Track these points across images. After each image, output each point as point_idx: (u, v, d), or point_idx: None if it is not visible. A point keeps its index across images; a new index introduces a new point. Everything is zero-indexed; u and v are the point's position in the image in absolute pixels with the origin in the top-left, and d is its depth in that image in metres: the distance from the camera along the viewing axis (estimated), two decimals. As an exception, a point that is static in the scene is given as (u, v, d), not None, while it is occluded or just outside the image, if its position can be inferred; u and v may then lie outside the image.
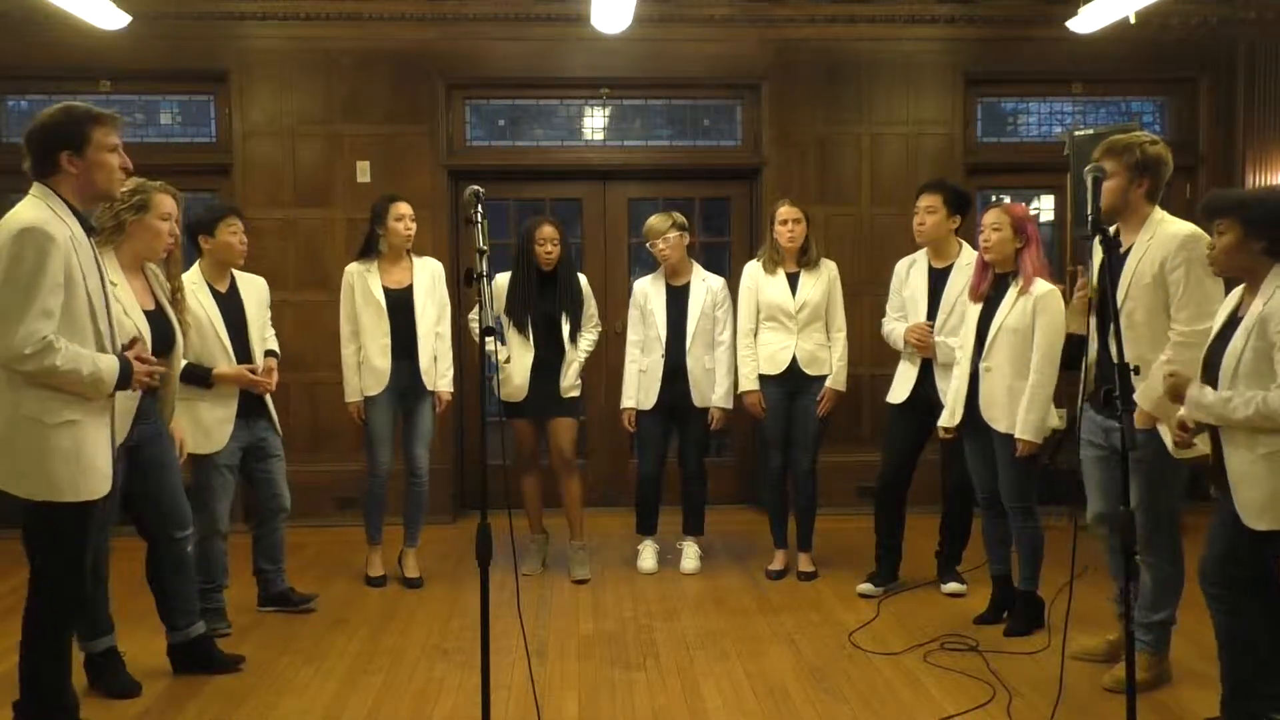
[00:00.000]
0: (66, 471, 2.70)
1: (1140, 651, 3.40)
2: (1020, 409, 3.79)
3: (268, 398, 4.12)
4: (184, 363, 3.90)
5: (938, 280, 4.40)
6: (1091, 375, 3.42)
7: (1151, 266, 3.20)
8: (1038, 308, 3.78)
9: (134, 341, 3.02)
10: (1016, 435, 3.80)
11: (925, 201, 4.37)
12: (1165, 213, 3.31)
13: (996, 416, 3.86)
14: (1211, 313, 3.11)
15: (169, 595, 3.55)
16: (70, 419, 2.71)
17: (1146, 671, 3.37)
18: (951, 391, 4.05)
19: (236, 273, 4.13)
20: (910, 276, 4.50)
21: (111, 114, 2.84)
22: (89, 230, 2.83)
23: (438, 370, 4.63)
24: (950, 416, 4.03)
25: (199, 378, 3.90)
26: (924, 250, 4.48)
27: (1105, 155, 3.28)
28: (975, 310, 3.97)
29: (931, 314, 4.37)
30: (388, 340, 4.53)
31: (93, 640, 3.41)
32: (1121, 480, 2.66)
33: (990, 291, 3.93)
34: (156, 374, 3.02)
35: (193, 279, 3.99)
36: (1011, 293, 3.85)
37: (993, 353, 3.85)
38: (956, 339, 4.18)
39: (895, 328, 4.51)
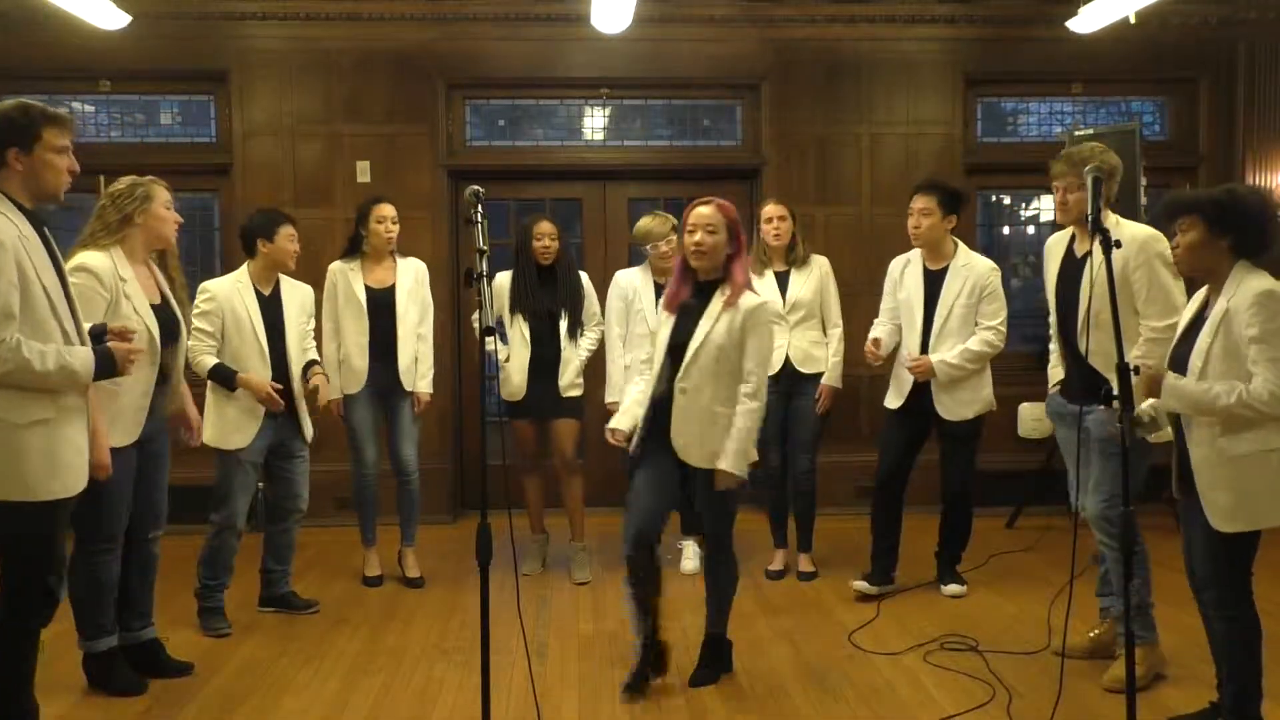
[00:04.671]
0: (40, 471, 2.67)
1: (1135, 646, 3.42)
2: (728, 440, 3.28)
3: (300, 398, 4.15)
4: (214, 362, 3.94)
5: (934, 282, 4.35)
6: (1060, 372, 3.63)
7: (1114, 267, 3.24)
8: (748, 324, 3.27)
9: (105, 332, 2.94)
10: (721, 467, 3.27)
11: (920, 203, 4.31)
12: (1118, 216, 3.45)
13: (689, 445, 3.31)
14: (1177, 307, 3.26)
15: (131, 595, 3.54)
16: (42, 418, 2.68)
17: (1138, 665, 3.38)
18: (637, 415, 3.47)
19: (283, 278, 4.18)
20: (905, 279, 4.44)
21: (65, 115, 2.83)
22: (41, 225, 2.78)
23: (418, 371, 4.62)
24: (641, 442, 3.43)
25: (225, 380, 3.92)
26: (918, 250, 4.44)
27: (1066, 170, 3.46)
28: (669, 322, 3.41)
29: (929, 317, 4.32)
30: (366, 340, 4.54)
31: (94, 640, 3.41)
32: (1122, 479, 2.66)
33: (691, 300, 3.38)
34: (135, 354, 2.92)
35: (239, 280, 4.07)
36: (716, 304, 3.31)
37: (692, 372, 3.29)
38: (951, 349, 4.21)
39: (880, 333, 4.46)
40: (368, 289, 4.55)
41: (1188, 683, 3.39)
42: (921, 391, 4.33)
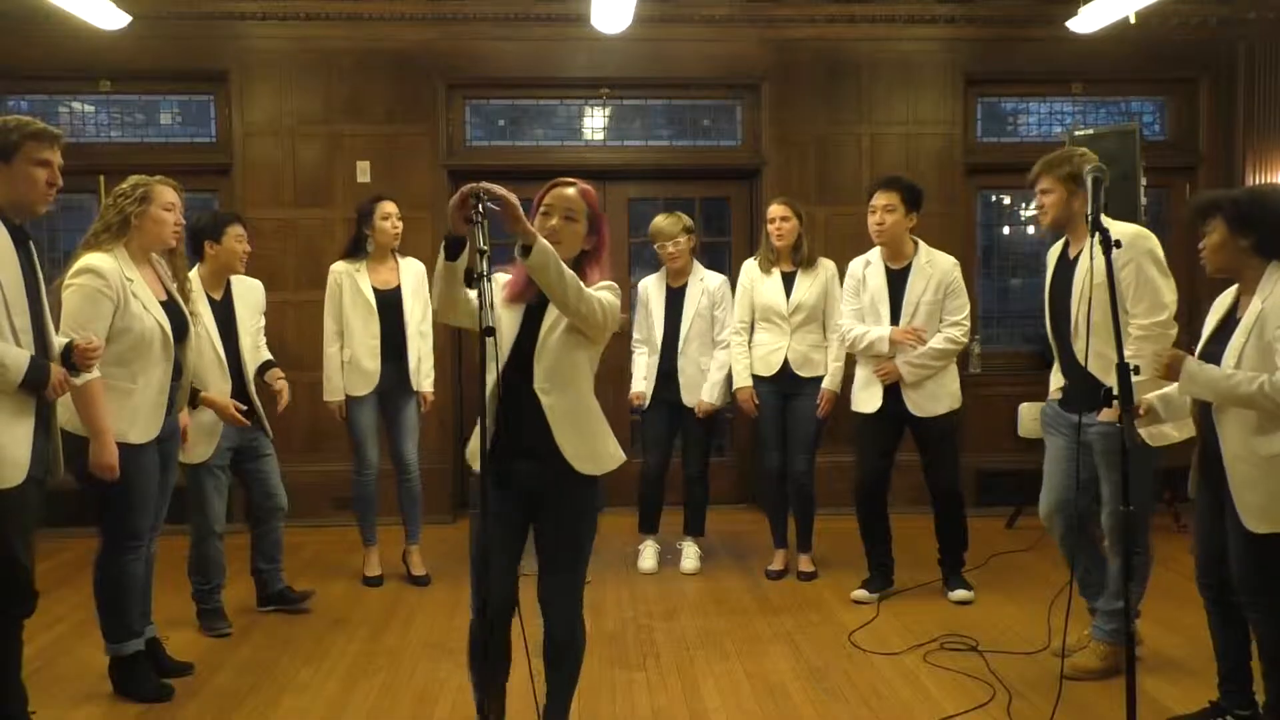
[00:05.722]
0: None
1: (1101, 641, 3.50)
2: (587, 440, 2.75)
3: (256, 399, 4.11)
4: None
5: (897, 282, 4.31)
6: (1060, 378, 3.60)
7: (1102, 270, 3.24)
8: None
9: (71, 348, 2.93)
10: (581, 471, 2.73)
11: (883, 199, 4.26)
12: (1109, 219, 3.40)
13: (579, 454, 2.72)
14: (1166, 304, 3.30)
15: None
16: None
17: (1103, 661, 3.46)
18: (484, 434, 2.53)
19: (234, 278, 4.12)
20: (868, 278, 4.39)
21: (50, 131, 2.85)
22: (18, 233, 2.79)
23: (422, 370, 4.63)
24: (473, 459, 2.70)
25: (188, 399, 3.85)
26: (877, 250, 4.39)
27: (1042, 172, 3.48)
28: (517, 313, 2.74)
29: (894, 319, 4.29)
30: (377, 341, 4.53)
31: (120, 643, 3.40)
32: (1122, 479, 2.66)
33: (535, 299, 2.71)
34: (66, 383, 2.88)
35: (191, 287, 3.97)
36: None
37: (539, 371, 2.69)
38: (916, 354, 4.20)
39: (871, 331, 4.31)
40: (375, 290, 4.55)
41: (1187, 682, 3.39)
42: (891, 394, 4.31)
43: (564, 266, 2.52)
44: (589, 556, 2.82)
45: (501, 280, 2.75)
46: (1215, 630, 3.06)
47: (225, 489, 4.05)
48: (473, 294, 2.63)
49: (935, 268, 4.29)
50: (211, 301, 4.01)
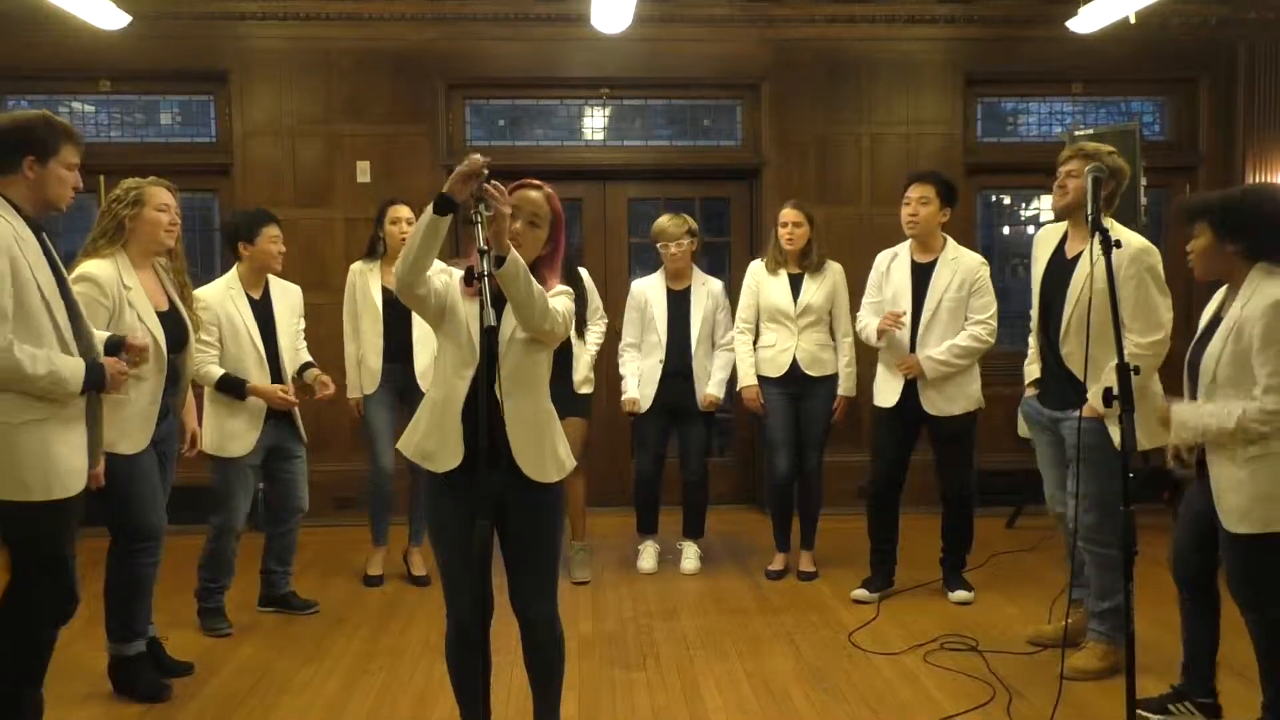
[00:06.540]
0: (36, 471, 2.66)
1: (1097, 641, 3.50)
2: (544, 447, 2.71)
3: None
4: (220, 372, 3.92)
5: (921, 276, 4.29)
6: (1037, 370, 3.64)
7: (1104, 275, 3.23)
8: None
9: (123, 344, 2.95)
10: (538, 480, 2.68)
11: (918, 191, 4.25)
12: (1117, 223, 3.41)
13: (535, 462, 2.67)
14: (1162, 324, 3.30)
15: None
16: (35, 418, 2.66)
17: (1102, 661, 3.46)
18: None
19: (272, 279, 4.16)
20: (892, 272, 4.37)
21: (81, 135, 2.87)
22: (39, 231, 2.79)
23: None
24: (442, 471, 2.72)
25: (234, 389, 3.91)
26: (907, 243, 4.38)
27: (1074, 154, 3.46)
28: (476, 310, 2.56)
29: (915, 313, 4.27)
30: (381, 342, 4.55)
31: (124, 642, 3.40)
32: (1122, 479, 2.66)
33: (494, 291, 2.48)
34: (126, 374, 2.91)
35: (230, 285, 4.03)
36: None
37: (504, 369, 2.65)
38: (941, 351, 4.18)
39: (870, 322, 4.36)
40: (385, 291, 4.55)
41: (1174, 676, 3.38)
42: (910, 390, 4.29)
43: (533, 281, 2.49)
44: (560, 553, 2.79)
45: (458, 274, 2.68)
46: (1183, 615, 3.08)
47: (252, 489, 4.07)
48: (435, 284, 2.63)
49: (961, 264, 4.26)
50: (251, 301, 4.05)
